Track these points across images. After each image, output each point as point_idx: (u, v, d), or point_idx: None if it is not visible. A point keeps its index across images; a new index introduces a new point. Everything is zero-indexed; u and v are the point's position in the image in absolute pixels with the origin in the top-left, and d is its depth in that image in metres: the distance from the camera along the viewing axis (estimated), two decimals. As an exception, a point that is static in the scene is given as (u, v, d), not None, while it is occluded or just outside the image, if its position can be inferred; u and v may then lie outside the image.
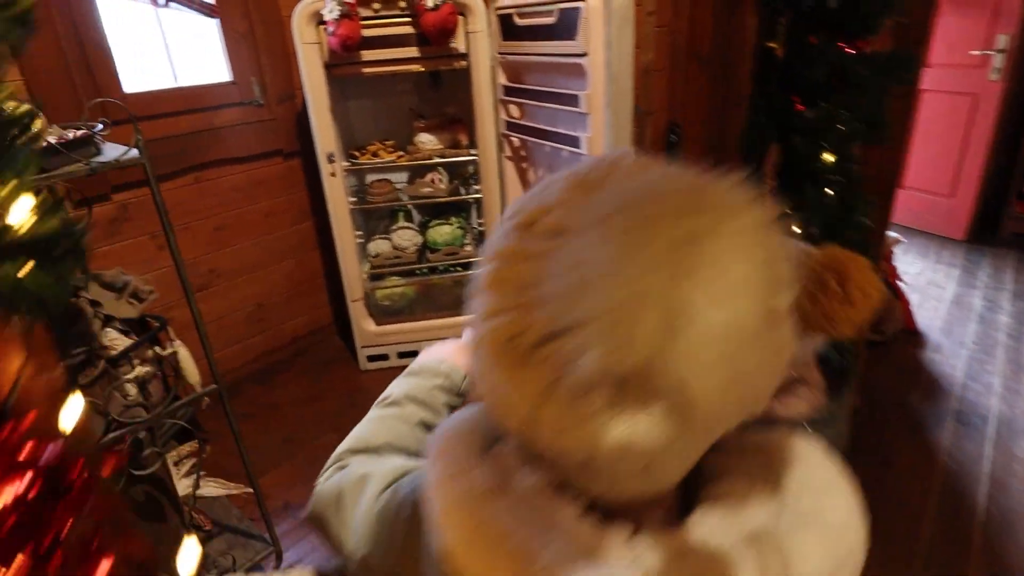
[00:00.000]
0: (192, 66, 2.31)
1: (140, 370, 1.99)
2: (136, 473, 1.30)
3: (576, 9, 1.72)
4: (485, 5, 2.15)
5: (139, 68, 2.19)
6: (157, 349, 2.08)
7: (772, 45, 1.64)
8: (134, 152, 1.16)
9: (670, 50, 2.04)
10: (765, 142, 1.65)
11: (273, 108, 2.48)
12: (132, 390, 1.48)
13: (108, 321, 2.03)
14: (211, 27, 2.29)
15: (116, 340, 2.00)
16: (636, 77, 2.00)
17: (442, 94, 2.67)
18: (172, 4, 2.13)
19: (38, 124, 1.20)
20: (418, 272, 2.61)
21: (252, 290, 2.63)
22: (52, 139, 1.09)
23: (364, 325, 2.58)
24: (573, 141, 1.91)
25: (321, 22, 2.06)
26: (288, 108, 2.50)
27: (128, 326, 2.08)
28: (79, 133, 1.16)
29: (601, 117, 1.79)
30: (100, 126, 1.21)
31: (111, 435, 1.28)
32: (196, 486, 1.86)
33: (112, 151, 1.18)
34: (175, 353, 2.18)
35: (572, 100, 1.85)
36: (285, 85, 2.45)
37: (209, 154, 2.33)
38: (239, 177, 2.46)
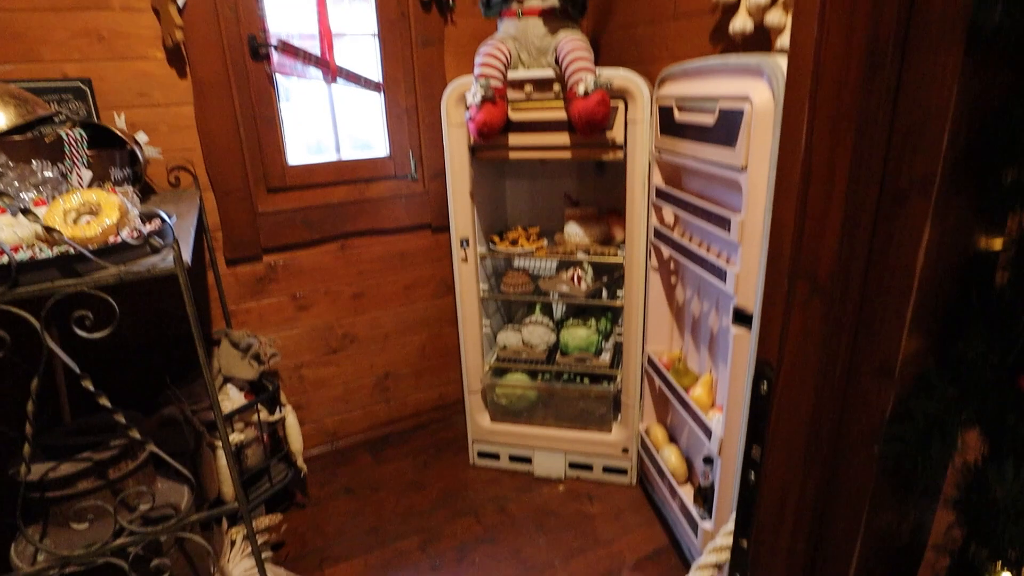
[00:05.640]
0: (357, 139, 2.37)
1: (238, 436, 2.02)
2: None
3: (738, 112, 1.31)
4: (650, 91, 1.82)
5: (310, 141, 2.30)
6: (264, 414, 2.11)
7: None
8: (168, 262, 1.09)
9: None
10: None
11: (427, 183, 2.43)
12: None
13: (228, 380, 2.12)
14: (377, 102, 2.32)
15: (232, 400, 2.07)
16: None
17: (604, 181, 2.38)
18: (340, 80, 2.19)
19: (114, 216, 1.20)
20: (543, 376, 2.33)
21: (383, 358, 2.60)
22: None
23: (478, 419, 2.37)
24: (721, 274, 1.46)
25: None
26: (443, 183, 2.43)
27: (248, 385, 2.15)
28: (141, 231, 1.14)
29: (756, 251, 1.33)
30: (159, 224, 1.18)
31: (116, 542, 1.22)
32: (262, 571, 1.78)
33: (153, 257, 1.13)
34: (283, 419, 2.21)
35: (724, 223, 1.41)
36: (442, 161, 2.38)
37: (358, 223, 2.35)
38: (384, 247, 2.45)
